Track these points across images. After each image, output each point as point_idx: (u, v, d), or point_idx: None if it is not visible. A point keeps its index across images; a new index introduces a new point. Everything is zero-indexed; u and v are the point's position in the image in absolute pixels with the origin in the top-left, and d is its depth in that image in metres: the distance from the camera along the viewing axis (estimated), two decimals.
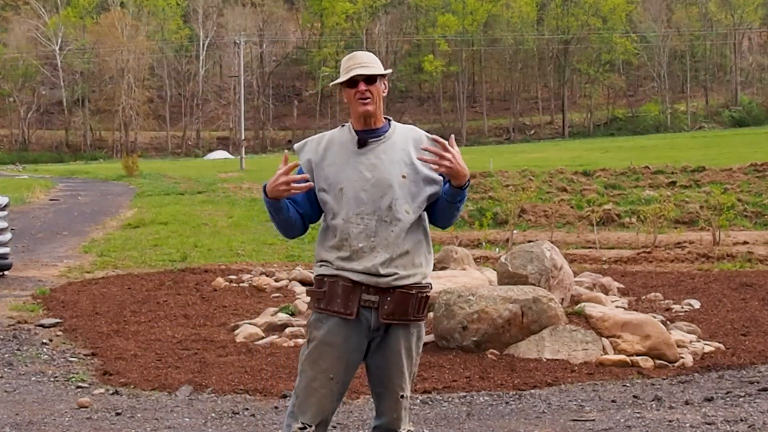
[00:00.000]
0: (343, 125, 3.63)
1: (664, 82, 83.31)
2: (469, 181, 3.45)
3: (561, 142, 72.92)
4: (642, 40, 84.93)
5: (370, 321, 3.49)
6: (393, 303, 3.46)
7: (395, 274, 3.45)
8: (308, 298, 3.77)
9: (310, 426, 3.47)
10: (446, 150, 3.38)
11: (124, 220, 21.37)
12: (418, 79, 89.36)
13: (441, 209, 3.54)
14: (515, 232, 15.78)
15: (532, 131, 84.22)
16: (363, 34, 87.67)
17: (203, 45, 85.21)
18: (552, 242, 9.91)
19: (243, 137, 54.98)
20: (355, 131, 3.56)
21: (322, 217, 3.62)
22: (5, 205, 12.42)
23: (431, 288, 3.60)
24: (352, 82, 3.50)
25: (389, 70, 3.62)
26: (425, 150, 3.43)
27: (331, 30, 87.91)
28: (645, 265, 13.33)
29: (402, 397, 3.55)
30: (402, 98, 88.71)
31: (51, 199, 28.89)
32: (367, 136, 3.54)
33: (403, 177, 3.49)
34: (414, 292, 3.49)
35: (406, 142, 3.55)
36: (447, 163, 3.37)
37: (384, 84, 3.58)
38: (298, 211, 3.57)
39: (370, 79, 3.50)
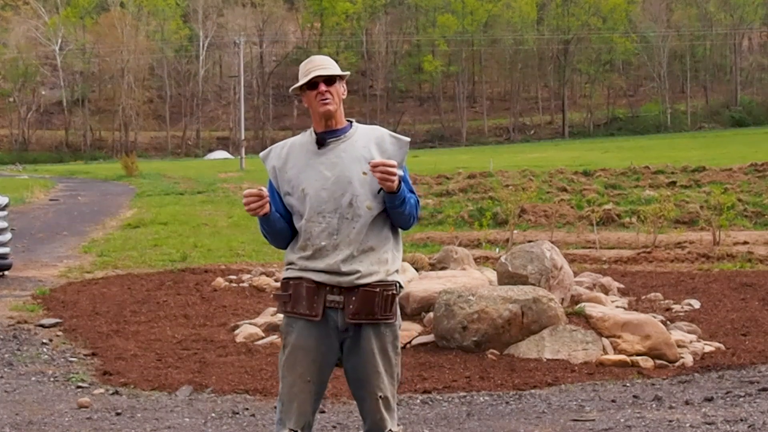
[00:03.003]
0: (305, 131, 3.69)
1: (664, 82, 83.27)
2: (400, 184, 3.45)
3: (561, 142, 72.95)
4: (642, 40, 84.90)
5: (337, 322, 3.52)
6: (358, 302, 3.48)
7: (357, 272, 3.47)
8: None
9: (296, 431, 3.52)
10: (393, 171, 3.40)
11: (124, 220, 21.37)
12: (418, 79, 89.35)
13: (391, 215, 3.57)
14: (515, 232, 15.77)
15: (532, 131, 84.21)
16: (363, 34, 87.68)
17: (203, 45, 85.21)
18: (552, 242, 9.90)
19: (243, 137, 55.00)
20: (315, 133, 3.61)
21: None
22: (5, 205, 12.42)
23: (399, 286, 3.60)
24: (312, 84, 3.55)
25: (347, 72, 3.67)
26: (375, 165, 3.42)
27: (331, 30, 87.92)
28: (645, 265, 13.31)
29: (382, 397, 3.55)
30: (402, 98, 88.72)
31: (51, 199, 28.90)
32: (326, 136, 3.58)
33: (364, 174, 3.51)
34: (378, 290, 3.50)
35: (367, 141, 3.59)
36: (393, 180, 3.39)
37: (343, 86, 3.63)
38: (284, 219, 3.61)
39: (330, 81, 3.56)
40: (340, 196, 3.50)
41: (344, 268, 3.47)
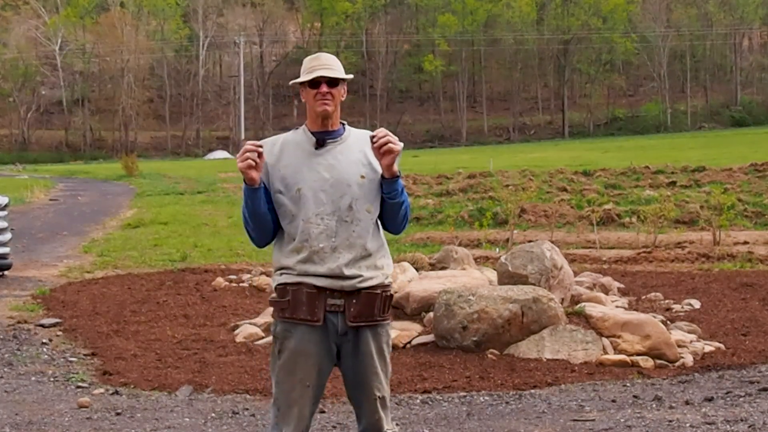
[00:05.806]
0: (297, 128, 3.65)
1: (664, 82, 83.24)
2: (399, 171, 3.50)
3: (561, 142, 72.92)
4: (642, 40, 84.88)
5: (337, 325, 3.51)
6: (359, 305, 3.49)
7: (360, 276, 3.48)
8: None
9: None
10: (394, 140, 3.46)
11: (124, 220, 21.37)
12: (418, 79, 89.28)
13: (386, 211, 3.56)
14: (515, 232, 15.76)
15: (532, 131, 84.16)
16: (363, 34, 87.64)
17: (203, 45, 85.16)
18: (552, 242, 9.90)
19: (243, 137, 55.07)
20: (311, 132, 3.57)
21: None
22: (5, 205, 12.42)
23: (392, 288, 3.65)
24: (315, 83, 3.53)
25: (351, 76, 3.66)
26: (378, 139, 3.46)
27: (331, 30, 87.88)
28: (645, 265, 13.30)
29: (380, 398, 3.57)
30: (402, 98, 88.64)
31: (51, 199, 28.88)
32: (324, 136, 3.55)
33: (362, 177, 3.51)
34: (379, 292, 3.52)
35: (362, 144, 3.58)
36: (396, 148, 3.44)
37: (344, 89, 3.61)
38: (269, 213, 3.56)
39: (333, 82, 3.54)
40: (339, 199, 3.48)
41: (347, 272, 3.46)
